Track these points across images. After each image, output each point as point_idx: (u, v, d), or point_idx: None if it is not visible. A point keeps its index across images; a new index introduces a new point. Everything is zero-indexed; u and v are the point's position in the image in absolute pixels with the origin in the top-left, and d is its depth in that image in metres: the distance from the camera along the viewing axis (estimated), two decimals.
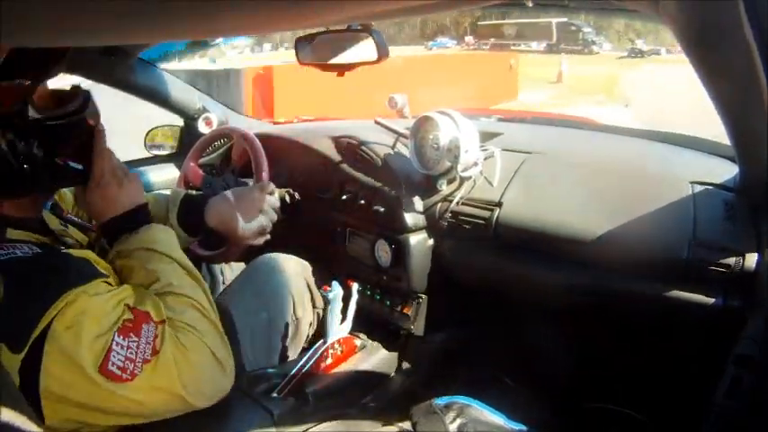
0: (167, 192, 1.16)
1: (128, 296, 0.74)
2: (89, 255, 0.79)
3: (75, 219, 0.97)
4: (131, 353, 0.68)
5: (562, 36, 19.77)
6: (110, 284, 0.75)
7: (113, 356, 0.66)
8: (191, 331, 0.75)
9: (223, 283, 1.46)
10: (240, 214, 1.08)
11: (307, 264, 1.39)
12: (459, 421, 1.13)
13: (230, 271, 1.49)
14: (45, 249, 0.76)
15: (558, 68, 12.49)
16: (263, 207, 1.12)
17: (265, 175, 1.32)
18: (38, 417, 0.64)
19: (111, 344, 0.67)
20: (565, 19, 19.21)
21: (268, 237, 1.15)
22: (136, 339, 0.69)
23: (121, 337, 0.68)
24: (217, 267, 1.50)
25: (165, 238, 0.87)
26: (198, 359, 0.74)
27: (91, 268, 0.75)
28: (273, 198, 1.16)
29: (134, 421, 0.73)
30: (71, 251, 0.78)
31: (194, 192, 1.35)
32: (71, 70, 1.48)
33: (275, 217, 1.15)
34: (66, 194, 1.06)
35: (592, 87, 12.21)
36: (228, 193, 1.11)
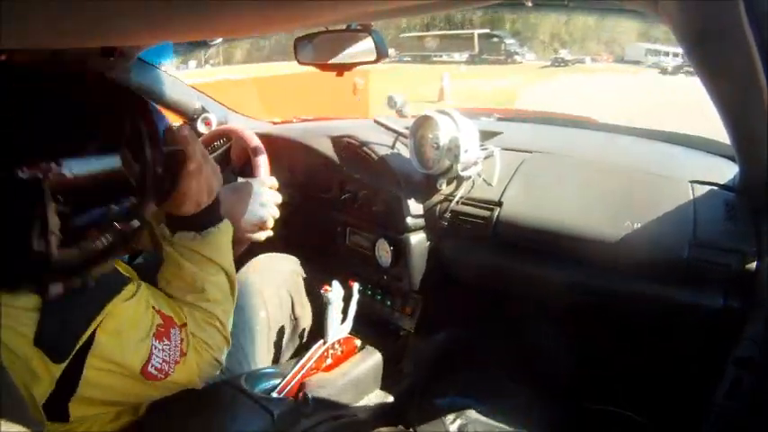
0: None
1: (149, 297, 0.76)
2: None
3: None
4: (166, 355, 0.74)
5: (484, 47, 19.93)
6: (132, 285, 0.76)
7: (154, 359, 0.72)
8: (205, 348, 0.81)
9: None
10: (240, 208, 1.08)
11: (304, 263, 1.39)
12: (459, 422, 1.13)
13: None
14: None
15: (440, 84, 11.60)
16: (263, 201, 1.11)
17: (264, 170, 1.31)
18: (59, 416, 0.66)
19: (152, 348, 0.72)
20: (487, 30, 19.37)
21: (270, 232, 1.15)
22: (168, 343, 0.75)
23: (158, 341, 0.73)
24: None
25: (226, 242, 0.88)
26: (206, 367, 0.82)
27: (117, 273, 0.76)
28: (274, 192, 1.15)
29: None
30: None
31: None
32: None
33: (276, 212, 1.14)
34: None
35: (479, 104, 11.40)
36: (228, 187, 1.11)
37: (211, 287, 0.83)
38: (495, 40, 20.40)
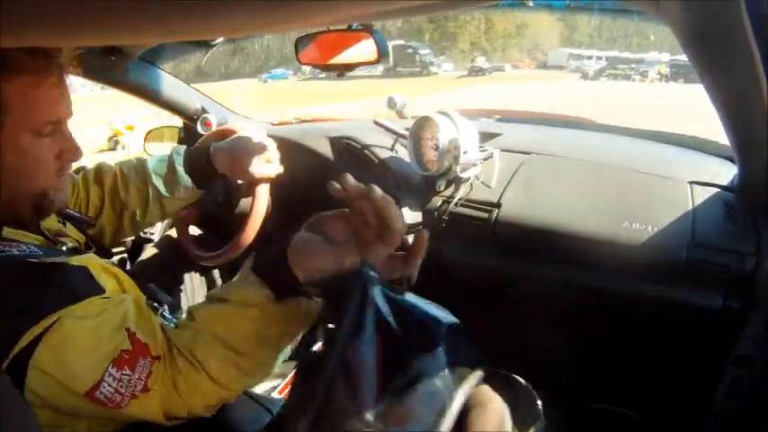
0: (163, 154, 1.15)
1: (129, 316, 0.68)
2: (90, 263, 0.73)
3: (75, 213, 0.96)
4: (122, 386, 0.63)
5: (399, 59, 19.18)
6: (106, 299, 0.69)
7: (103, 387, 0.62)
8: (192, 382, 0.67)
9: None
10: (246, 155, 1.10)
11: None
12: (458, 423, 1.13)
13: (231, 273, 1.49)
14: (44, 251, 0.71)
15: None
16: (267, 148, 1.13)
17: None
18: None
19: (104, 375, 0.62)
20: (402, 41, 18.79)
21: (278, 167, 1.17)
22: (129, 373, 0.64)
23: (115, 369, 0.63)
24: (215, 272, 1.49)
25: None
26: (177, 407, 0.68)
27: (87, 283, 0.70)
28: (275, 146, 1.17)
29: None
30: (71, 259, 0.72)
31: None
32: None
33: (280, 167, 1.16)
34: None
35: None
36: (231, 139, 1.13)
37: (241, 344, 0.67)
38: (410, 51, 19.75)
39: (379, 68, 18.35)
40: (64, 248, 0.80)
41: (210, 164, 1.09)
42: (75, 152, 0.78)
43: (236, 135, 1.14)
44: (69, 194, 1.02)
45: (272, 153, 1.15)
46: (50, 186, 0.76)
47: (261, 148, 1.13)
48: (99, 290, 0.69)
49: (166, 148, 1.83)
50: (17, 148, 0.70)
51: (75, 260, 0.72)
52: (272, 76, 20.73)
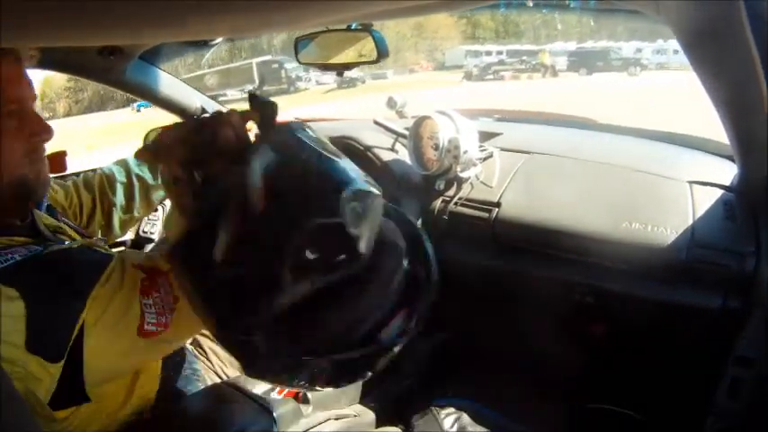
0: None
1: (125, 259, 0.73)
2: (86, 242, 0.79)
3: (71, 223, 0.95)
4: (159, 307, 0.70)
5: (265, 76, 17.53)
6: (110, 257, 0.74)
7: (148, 317, 0.68)
8: None
9: None
10: None
11: None
12: (457, 424, 1.13)
13: None
14: (45, 246, 0.72)
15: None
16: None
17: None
18: (77, 400, 0.66)
19: (142, 306, 0.68)
20: (267, 57, 17.64)
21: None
22: (158, 294, 0.70)
23: (146, 297, 0.69)
24: None
25: None
26: None
27: (94, 256, 0.75)
28: None
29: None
30: (70, 245, 0.75)
31: None
32: (71, 70, 1.48)
33: None
34: (59, 196, 1.03)
35: None
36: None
37: None
38: (275, 66, 17.82)
39: (246, 89, 15.84)
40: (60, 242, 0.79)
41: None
42: (46, 131, 0.75)
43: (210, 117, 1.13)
44: (63, 200, 1.03)
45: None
46: (27, 170, 0.74)
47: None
48: (105, 258, 0.73)
49: None
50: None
51: (75, 245, 0.76)
52: (142, 104, 17.12)
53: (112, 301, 0.68)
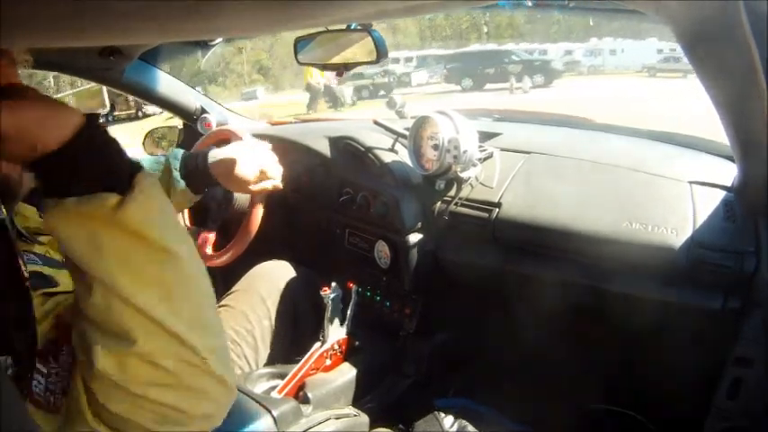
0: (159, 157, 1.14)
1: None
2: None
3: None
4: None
5: (116, 102, 14.96)
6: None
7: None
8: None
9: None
10: (244, 168, 1.09)
11: (303, 264, 1.39)
12: (458, 422, 1.13)
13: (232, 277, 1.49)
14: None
15: None
16: (261, 153, 1.13)
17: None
18: None
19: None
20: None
21: (277, 182, 1.16)
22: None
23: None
24: (218, 274, 1.49)
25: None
26: None
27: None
28: (270, 150, 1.16)
29: None
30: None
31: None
32: (71, 70, 1.48)
33: (275, 160, 1.16)
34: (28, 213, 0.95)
35: None
36: (230, 148, 1.12)
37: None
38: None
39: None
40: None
41: (207, 172, 1.08)
42: None
43: (235, 144, 1.13)
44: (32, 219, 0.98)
45: (271, 166, 1.14)
46: (9, 169, 0.61)
47: (260, 162, 1.12)
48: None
49: (165, 147, 1.83)
50: None
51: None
52: None
53: None
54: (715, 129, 0.91)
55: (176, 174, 1.07)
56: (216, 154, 1.09)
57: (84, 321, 0.49)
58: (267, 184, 1.14)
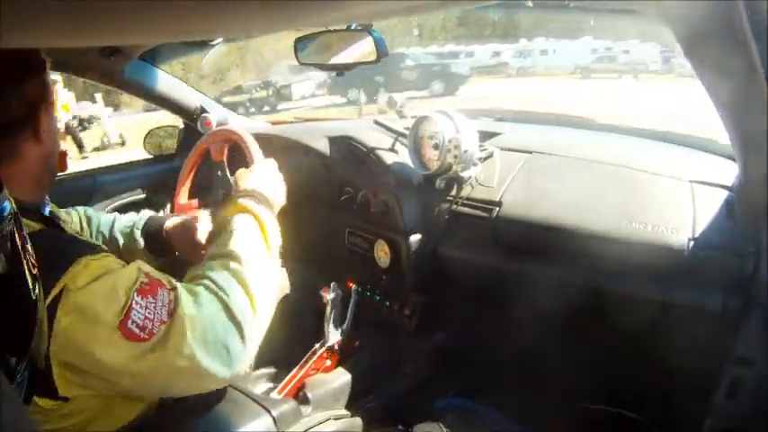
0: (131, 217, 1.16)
1: (140, 265, 0.72)
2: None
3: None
4: (149, 312, 0.66)
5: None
6: (119, 260, 0.73)
7: (134, 314, 0.65)
8: (213, 288, 0.73)
9: None
10: (196, 237, 1.08)
11: (308, 270, 1.39)
12: (457, 425, 1.13)
13: None
14: (52, 226, 0.75)
15: None
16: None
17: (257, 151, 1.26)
18: (50, 392, 0.63)
19: (132, 302, 0.65)
20: None
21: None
22: (153, 301, 0.67)
23: (140, 297, 0.66)
24: None
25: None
26: (211, 315, 0.71)
27: (99, 246, 0.75)
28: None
29: (145, 392, 0.74)
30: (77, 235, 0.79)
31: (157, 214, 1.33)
32: (71, 70, 1.48)
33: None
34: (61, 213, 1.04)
35: None
36: (184, 220, 1.11)
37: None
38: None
39: None
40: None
41: (165, 239, 1.09)
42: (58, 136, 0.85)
43: (189, 216, 1.12)
44: (65, 216, 1.04)
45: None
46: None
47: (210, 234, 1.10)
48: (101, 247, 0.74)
49: (166, 146, 1.83)
50: (52, 130, 0.78)
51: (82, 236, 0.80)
52: None
53: (104, 277, 0.66)
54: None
55: (138, 234, 1.09)
56: (171, 223, 1.09)
57: None
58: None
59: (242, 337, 0.72)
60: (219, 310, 0.71)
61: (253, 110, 11.70)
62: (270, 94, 13.15)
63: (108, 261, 0.69)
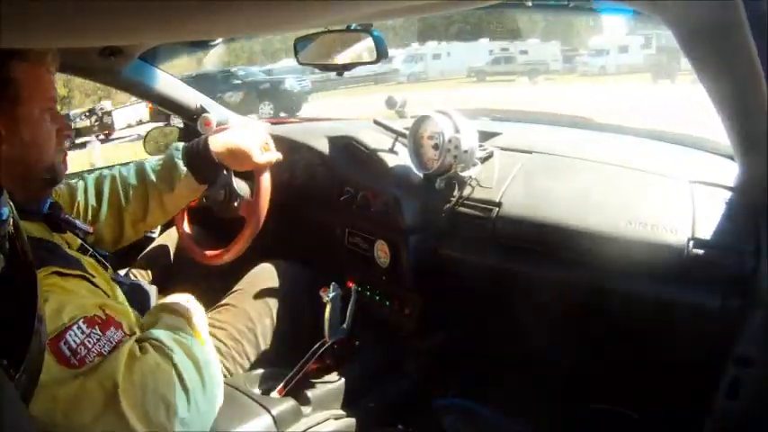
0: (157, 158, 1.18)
1: (108, 305, 0.71)
2: (85, 259, 0.80)
3: (73, 220, 0.96)
4: (89, 341, 0.63)
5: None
6: (94, 286, 0.73)
7: (69, 336, 0.62)
8: (165, 348, 0.72)
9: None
10: (244, 143, 1.14)
11: (308, 270, 1.39)
12: (458, 422, 1.13)
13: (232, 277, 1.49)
14: (52, 224, 0.78)
15: None
16: (263, 135, 1.17)
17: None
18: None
19: (72, 325, 0.63)
20: None
21: (278, 154, 1.22)
22: (99, 334, 0.65)
23: (86, 325, 0.64)
24: (218, 274, 1.49)
25: None
26: (158, 366, 0.69)
27: (79, 265, 0.75)
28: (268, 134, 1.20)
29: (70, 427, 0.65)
30: (67, 249, 0.79)
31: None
32: (71, 71, 1.48)
33: (278, 153, 1.20)
34: (63, 194, 1.06)
35: None
36: (227, 129, 1.16)
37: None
38: None
39: None
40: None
41: (209, 154, 1.10)
42: (68, 128, 0.88)
43: (230, 126, 1.15)
44: (67, 203, 1.04)
45: (269, 140, 1.19)
46: (56, 159, 0.85)
47: (257, 136, 1.17)
48: (89, 273, 0.75)
49: (166, 147, 1.84)
50: (32, 121, 0.79)
51: (71, 251, 0.80)
52: None
53: (53, 296, 0.64)
54: None
55: (179, 163, 1.10)
56: (214, 135, 1.13)
57: None
58: (270, 156, 1.16)
59: (188, 401, 0.71)
60: (169, 366, 0.70)
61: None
62: (93, 123, 10.86)
63: (72, 284, 0.68)
